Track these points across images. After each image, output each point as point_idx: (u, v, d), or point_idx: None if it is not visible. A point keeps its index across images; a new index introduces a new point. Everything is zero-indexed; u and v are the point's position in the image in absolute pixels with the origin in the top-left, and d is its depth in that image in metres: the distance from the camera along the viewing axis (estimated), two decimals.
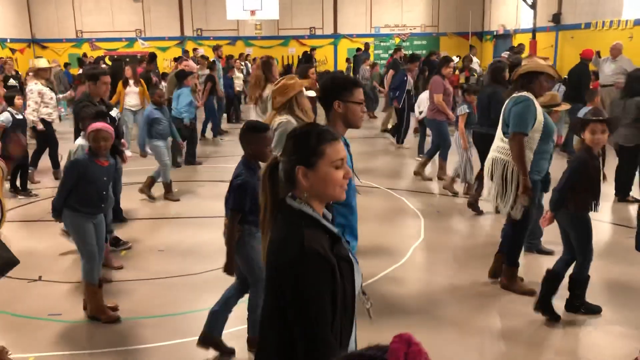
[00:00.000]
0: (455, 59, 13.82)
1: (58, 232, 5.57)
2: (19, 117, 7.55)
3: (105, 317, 4.23)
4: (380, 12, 23.02)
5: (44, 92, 8.35)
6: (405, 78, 10.25)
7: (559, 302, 4.20)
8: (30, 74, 9.82)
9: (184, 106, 9.06)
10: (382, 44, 22.44)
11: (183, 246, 5.86)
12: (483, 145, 5.95)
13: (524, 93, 4.35)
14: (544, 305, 4.16)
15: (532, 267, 5.02)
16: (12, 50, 20.97)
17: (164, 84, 11.50)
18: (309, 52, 19.53)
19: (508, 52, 15.15)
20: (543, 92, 4.51)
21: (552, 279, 4.16)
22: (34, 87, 8.39)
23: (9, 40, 20.97)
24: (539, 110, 4.35)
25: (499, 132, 4.62)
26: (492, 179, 4.63)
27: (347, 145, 2.71)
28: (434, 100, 8.01)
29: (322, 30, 23.16)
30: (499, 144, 4.57)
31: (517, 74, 4.49)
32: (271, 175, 1.88)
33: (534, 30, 17.37)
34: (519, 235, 4.62)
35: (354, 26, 22.97)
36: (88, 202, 4.13)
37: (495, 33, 21.14)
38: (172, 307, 4.52)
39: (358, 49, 20.03)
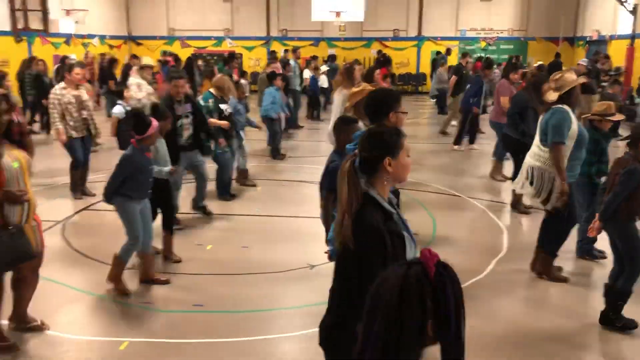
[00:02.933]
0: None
1: None
2: (129, 108, 8.06)
3: (120, 287, 4.76)
4: (467, 15, 22.56)
5: (141, 85, 8.89)
6: (482, 84, 10.53)
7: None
8: (135, 68, 10.53)
9: (269, 104, 9.91)
10: (467, 47, 21.99)
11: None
12: (512, 148, 7.16)
13: (561, 105, 4.76)
14: (608, 321, 4.22)
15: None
16: (110, 46, 22.26)
17: (243, 81, 12.08)
18: (381, 57, 19.67)
19: (587, 60, 14.74)
20: (578, 102, 5.12)
21: (612, 294, 4.20)
22: (134, 80, 8.95)
23: (107, 37, 22.27)
24: (574, 120, 4.75)
25: (536, 140, 5.01)
26: (531, 183, 4.99)
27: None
28: (500, 102, 8.36)
29: (406, 33, 23.00)
30: (536, 151, 4.97)
31: (550, 90, 4.83)
32: (352, 167, 2.27)
33: (633, 37, 16.46)
34: (562, 230, 4.99)
35: (439, 29, 22.64)
36: (138, 189, 4.70)
37: (588, 39, 20.19)
38: (251, 303, 4.70)
39: (438, 52, 19.77)
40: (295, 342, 4.13)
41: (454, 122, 12.51)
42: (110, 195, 4.68)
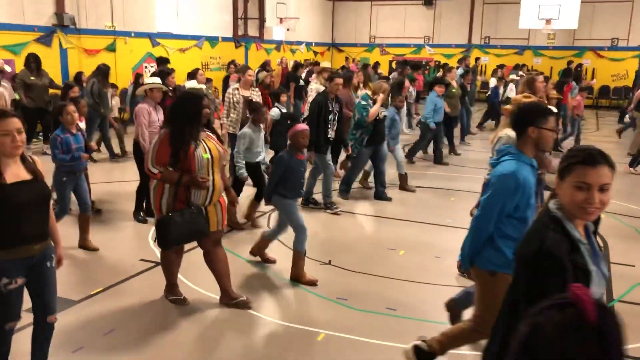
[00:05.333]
0: None
1: None
2: (284, 110, 8.43)
3: (305, 280, 5.02)
4: None
5: (320, 89, 9.21)
6: None
7: None
8: (314, 74, 11.05)
9: (429, 111, 9.91)
10: None
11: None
12: None
13: None
14: None
15: None
16: (315, 53, 23.57)
17: (410, 88, 12.04)
18: (571, 67, 18.05)
19: None
20: None
21: None
22: (314, 85, 9.34)
23: (313, 44, 23.62)
24: None
25: None
26: None
27: (534, 167, 3.08)
28: None
29: (626, 42, 20.74)
30: None
31: None
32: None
33: None
34: None
35: None
36: (292, 188, 5.01)
37: None
38: (434, 313, 4.55)
39: None
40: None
41: None
42: (269, 194, 5.06)
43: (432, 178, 9.33)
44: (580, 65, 20.01)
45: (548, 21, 18.04)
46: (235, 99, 7.80)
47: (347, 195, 7.94)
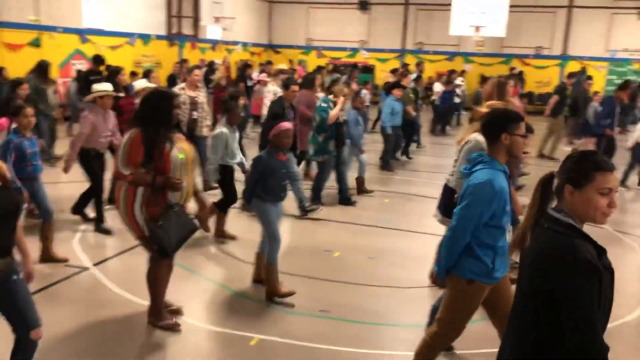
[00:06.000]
0: None
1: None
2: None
3: (283, 293, 4.69)
4: (619, 34, 20.90)
5: (277, 92, 9.19)
6: (614, 105, 10.01)
7: None
8: (269, 76, 10.97)
9: (387, 115, 9.88)
10: (617, 69, 20.39)
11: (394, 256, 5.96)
12: None
13: None
14: None
15: None
16: (252, 53, 23.40)
17: (364, 91, 12.15)
18: (514, 73, 18.92)
19: None
20: None
21: None
22: (271, 88, 9.30)
23: (250, 44, 23.44)
24: None
25: None
26: None
27: (505, 174, 3.07)
28: None
29: (549, 50, 21.80)
30: None
31: None
32: (544, 187, 2.15)
33: None
34: None
35: (586, 48, 21.21)
36: (271, 192, 4.65)
37: None
38: (374, 315, 4.62)
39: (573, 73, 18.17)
40: None
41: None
42: (249, 197, 4.71)
43: (397, 183, 9.44)
44: (521, 72, 20.78)
45: (477, 28, 18.73)
46: (181, 99, 7.64)
47: (320, 202, 7.68)
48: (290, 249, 5.92)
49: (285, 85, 7.35)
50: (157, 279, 4.13)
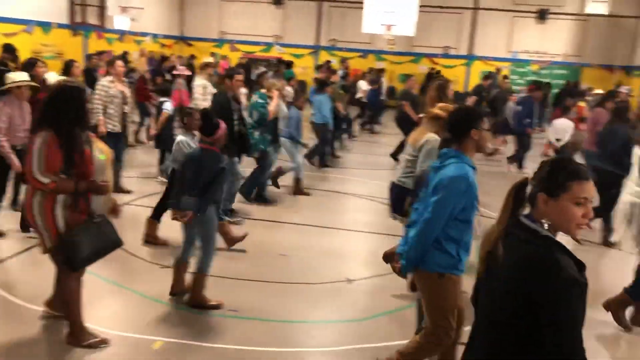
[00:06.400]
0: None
1: None
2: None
3: (212, 305, 4.52)
4: (520, 36, 22.08)
5: (207, 86, 8.90)
6: (533, 105, 10.61)
7: None
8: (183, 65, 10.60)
9: (327, 111, 9.89)
10: (518, 69, 21.56)
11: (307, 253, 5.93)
12: (600, 179, 5.94)
13: None
14: None
15: None
16: (162, 45, 22.64)
17: (288, 87, 12.09)
18: (433, 73, 19.43)
19: (628, 88, 14.52)
20: None
21: None
22: (200, 81, 8.97)
23: (160, 36, 22.67)
24: None
25: (634, 176, 4.88)
26: (629, 222, 4.80)
27: (474, 169, 3.13)
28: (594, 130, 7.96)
29: (456, 50, 22.70)
30: (636, 189, 4.80)
31: None
32: (517, 193, 2.03)
33: None
34: None
35: (490, 48, 22.23)
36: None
37: None
38: (284, 313, 4.57)
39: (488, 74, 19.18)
40: (325, 357, 3.97)
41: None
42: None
43: (332, 181, 9.37)
44: (439, 71, 21.31)
45: (389, 27, 19.14)
46: (112, 92, 7.20)
47: (267, 199, 7.65)
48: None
49: (229, 76, 6.88)
50: (72, 296, 3.81)
